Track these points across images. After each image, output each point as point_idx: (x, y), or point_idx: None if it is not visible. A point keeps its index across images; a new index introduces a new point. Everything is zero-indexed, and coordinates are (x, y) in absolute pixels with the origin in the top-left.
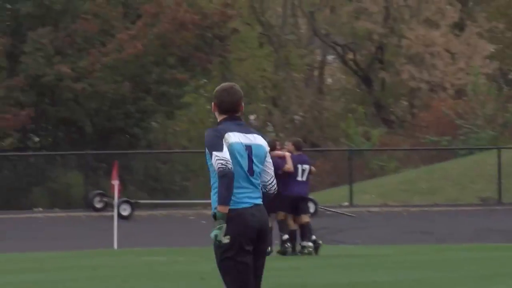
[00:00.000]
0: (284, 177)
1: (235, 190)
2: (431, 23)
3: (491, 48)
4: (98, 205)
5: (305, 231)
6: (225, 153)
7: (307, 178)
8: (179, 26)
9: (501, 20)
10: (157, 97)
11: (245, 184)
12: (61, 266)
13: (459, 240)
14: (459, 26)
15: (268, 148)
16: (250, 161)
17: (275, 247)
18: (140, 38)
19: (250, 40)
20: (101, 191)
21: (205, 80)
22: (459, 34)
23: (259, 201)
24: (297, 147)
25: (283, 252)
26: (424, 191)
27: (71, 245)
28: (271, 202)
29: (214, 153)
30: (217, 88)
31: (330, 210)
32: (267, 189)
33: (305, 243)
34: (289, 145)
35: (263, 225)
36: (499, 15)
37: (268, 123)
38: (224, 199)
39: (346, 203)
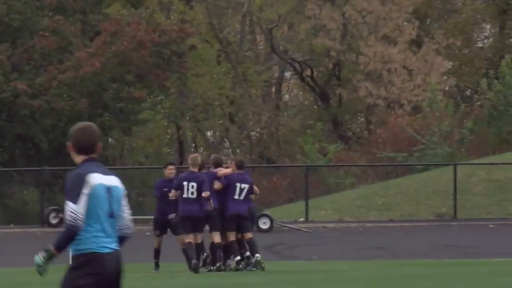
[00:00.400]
0: (222, 196)
1: (95, 234)
2: (389, 40)
3: (448, 64)
4: (54, 221)
5: (252, 247)
6: (79, 207)
7: (246, 196)
8: (138, 45)
9: (458, 37)
10: (114, 113)
11: (105, 228)
12: (15, 283)
13: (414, 256)
14: (416, 43)
15: (124, 191)
16: (110, 203)
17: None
18: (98, 56)
19: (209, 57)
20: (56, 207)
21: (163, 97)
22: (416, 51)
23: (117, 246)
24: (239, 166)
25: (236, 269)
26: (380, 207)
27: (25, 261)
28: (214, 220)
29: (69, 203)
30: (73, 127)
31: (286, 226)
32: (122, 233)
33: (257, 256)
34: (231, 164)
35: (119, 271)
36: (457, 32)
37: (225, 139)
38: (60, 246)
39: (302, 219)
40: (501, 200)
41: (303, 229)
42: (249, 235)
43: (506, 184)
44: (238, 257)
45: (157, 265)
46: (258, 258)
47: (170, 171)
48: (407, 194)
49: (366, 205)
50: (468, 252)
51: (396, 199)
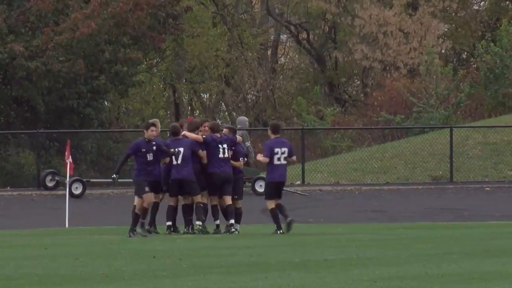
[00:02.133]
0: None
1: None
2: (385, 3)
3: (444, 27)
4: (50, 184)
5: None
6: None
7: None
8: (134, 6)
9: (454, 0)
10: (110, 75)
11: None
12: (12, 245)
13: (411, 219)
14: (412, 6)
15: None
16: None
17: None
18: (94, 17)
19: (204, 19)
20: (53, 170)
21: (159, 59)
22: (412, 14)
23: None
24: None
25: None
26: (376, 170)
27: (22, 223)
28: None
29: None
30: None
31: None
32: None
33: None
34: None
35: None
36: None
37: (221, 102)
38: None
39: (298, 182)
40: (497, 163)
41: (300, 192)
42: (228, 200)
43: (502, 147)
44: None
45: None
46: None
47: (152, 132)
48: (403, 157)
49: (363, 168)
50: (464, 215)
51: (392, 162)
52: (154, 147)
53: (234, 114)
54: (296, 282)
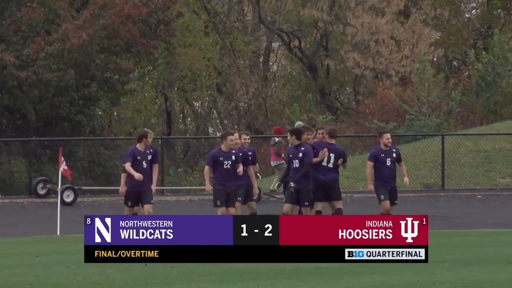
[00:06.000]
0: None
1: None
2: (377, 11)
3: (436, 35)
4: (42, 192)
5: None
6: None
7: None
8: (126, 19)
9: (446, 8)
10: (101, 83)
11: None
12: (3, 253)
13: None
14: (404, 14)
15: None
16: None
17: None
18: (85, 28)
19: (196, 28)
20: (44, 178)
21: (150, 68)
22: (404, 22)
23: None
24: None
25: None
26: None
27: (13, 231)
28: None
29: None
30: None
31: (275, 197)
32: None
33: None
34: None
35: None
36: (444, 2)
37: (213, 110)
38: None
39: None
40: (489, 170)
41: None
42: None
43: (494, 155)
44: None
45: None
46: None
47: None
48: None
49: (354, 176)
50: (455, 223)
51: None
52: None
53: (226, 122)
54: None
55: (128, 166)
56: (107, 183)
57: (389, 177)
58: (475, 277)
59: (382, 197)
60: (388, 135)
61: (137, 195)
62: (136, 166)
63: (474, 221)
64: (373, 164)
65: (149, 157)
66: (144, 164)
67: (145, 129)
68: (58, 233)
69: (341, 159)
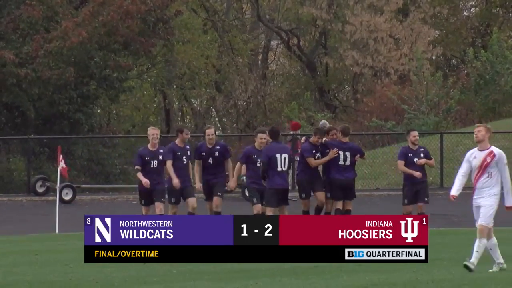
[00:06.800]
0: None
1: None
2: (375, 9)
3: (434, 33)
4: (40, 190)
5: None
6: None
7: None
8: (124, 15)
9: (444, 6)
10: (100, 81)
11: None
12: (2, 251)
13: None
14: (403, 12)
15: None
16: None
17: None
18: (85, 26)
19: (195, 26)
20: (43, 176)
21: (149, 66)
22: (403, 20)
23: None
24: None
25: None
26: (367, 176)
27: (12, 229)
28: None
29: None
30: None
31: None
32: None
33: None
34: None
35: None
36: (443, 0)
37: (212, 108)
38: None
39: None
40: None
41: (291, 198)
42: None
43: None
44: None
45: None
46: None
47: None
48: (393, 162)
49: None
50: (454, 221)
51: (382, 168)
52: None
53: (225, 120)
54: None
55: (169, 164)
56: (106, 181)
57: (418, 176)
58: (473, 275)
59: (406, 201)
60: (415, 133)
61: (180, 191)
62: (176, 162)
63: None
64: (404, 162)
65: (189, 152)
66: (184, 159)
67: (180, 123)
68: (57, 231)
69: (358, 155)
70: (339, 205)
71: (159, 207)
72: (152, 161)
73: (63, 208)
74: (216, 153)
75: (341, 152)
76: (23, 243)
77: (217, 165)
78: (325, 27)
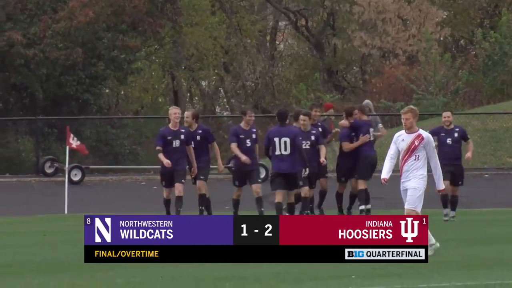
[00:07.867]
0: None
1: None
2: None
3: (443, 14)
4: (49, 171)
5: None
6: None
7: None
8: None
9: None
10: (108, 62)
11: None
12: (12, 231)
13: None
14: None
15: None
16: None
17: None
18: (91, 5)
19: (202, 7)
20: (52, 157)
21: (157, 47)
22: (411, 1)
23: None
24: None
25: None
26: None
27: (21, 210)
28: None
29: None
30: None
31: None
32: None
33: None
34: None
35: None
36: None
37: (220, 89)
38: None
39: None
40: (496, 149)
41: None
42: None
43: (501, 134)
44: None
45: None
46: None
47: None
48: None
49: None
50: (462, 202)
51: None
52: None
53: (233, 101)
54: None
55: (234, 146)
56: (115, 162)
57: (450, 157)
58: (482, 256)
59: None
60: (447, 113)
61: (244, 174)
62: (240, 144)
63: (481, 200)
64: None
65: (254, 135)
66: (247, 142)
67: (245, 106)
68: (66, 211)
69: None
70: (363, 185)
71: (178, 188)
72: (174, 141)
73: (71, 189)
74: (198, 137)
75: (371, 130)
76: (32, 223)
77: (199, 149)
78: (333, 7)
